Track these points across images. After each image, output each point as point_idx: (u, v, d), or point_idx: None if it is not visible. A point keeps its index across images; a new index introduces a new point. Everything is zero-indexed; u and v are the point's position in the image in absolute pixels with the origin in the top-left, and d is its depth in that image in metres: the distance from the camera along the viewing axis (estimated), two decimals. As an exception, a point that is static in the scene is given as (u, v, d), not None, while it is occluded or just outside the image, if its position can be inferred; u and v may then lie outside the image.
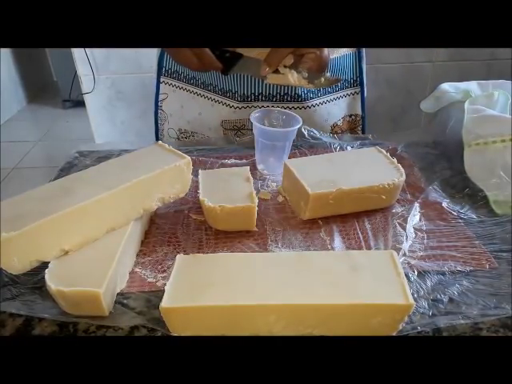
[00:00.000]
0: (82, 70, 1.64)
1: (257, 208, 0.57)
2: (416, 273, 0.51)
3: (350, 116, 0.91)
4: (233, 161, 0.77)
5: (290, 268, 0.46)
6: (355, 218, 0.61)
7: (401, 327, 0.44)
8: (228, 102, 0.84)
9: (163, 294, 0.43)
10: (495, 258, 0.53)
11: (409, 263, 0.53)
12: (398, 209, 0.63)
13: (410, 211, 0.61)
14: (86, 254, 0.50)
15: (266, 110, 0.75)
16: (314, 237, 0.58)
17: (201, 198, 0.58)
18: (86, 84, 1.67)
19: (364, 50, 0.87)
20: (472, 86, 0.78)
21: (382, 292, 0.43)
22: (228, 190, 0.60)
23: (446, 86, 0.79)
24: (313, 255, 0.50)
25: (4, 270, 0.48)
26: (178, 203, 0.64)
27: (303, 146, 0.80)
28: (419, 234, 0.58)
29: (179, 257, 0.48)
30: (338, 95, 0.88)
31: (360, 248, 0.56)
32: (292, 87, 0.81)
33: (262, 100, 0.82)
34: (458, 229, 0.59)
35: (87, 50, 1.59)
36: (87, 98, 1.71)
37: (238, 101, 0.83)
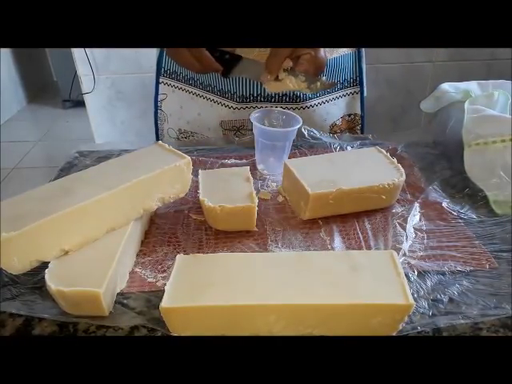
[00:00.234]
0: (82, 70, 1.64)
1: (257, 208, 0.57)
2: (416, 273, 0.51)
3: (349, 115, 0.91)
4: (233, 161, 0.77)
5: (290, 268, 0.46)
6: (355, 218, 0.61)
7: (401, 327, 0.44)
8: (227, 103, 0.84)
9: (163, 294, 0.43)
10: (495, 258, 0.53)
11: (409, 263, 0.53)
12: (397, 209, 0.63)
13: (410, 211, 0.61)
14: (86, 254, 0.50)
15: (266, 110, 0.75)
16: (314, 237, 0.58)
17: (201, 198, 0.58)
18: (85, 84, 1.67)
19: (364, 49, 0.87)
20: (472, 85, 0.78)
21: (381, 292, 0.43)
22: (228, 190, 0.60)
23: (446, 86, 0.79)
24: (313, 255, 0.50)
25: (4, 270, 0.48)
26: (178, 203, 0.64)
27: (303, 146, 0.80)
28: (419, 234, 0.58)
29: (179, 257, 0.48)
30: (337, 95, 0.88)
31: (360, 248, 0.56)
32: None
33: (260, 101, 0.83)
34: (458, 229, 0.59)
35: (87, 50, 1.59)
36: (87, 98, 1.71)
37: (236, 101, 0.83)
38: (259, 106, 0.83)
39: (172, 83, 0.88)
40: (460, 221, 0.60)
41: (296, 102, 0.83)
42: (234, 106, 0.84)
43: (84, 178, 0.54)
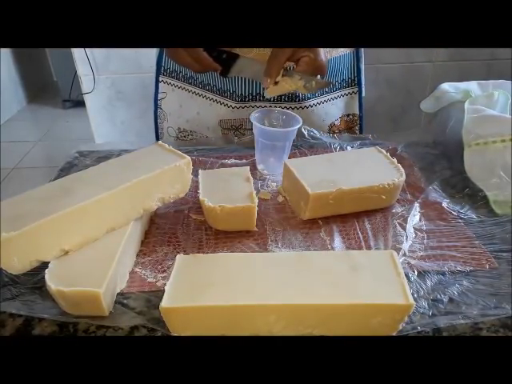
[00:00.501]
0: (82, 70, 1.64)
1: (257, 208, 0.57)
2: (416, 273, 0.51)
3: (348, 115, 0.92)
4: (233, 161, 0.77)
5: (290, 268, 0.46)
6: (355, 218, 0.61)
7: (401, 327, 0.44)
8: (226, 102, 0.84)
9: (163, 294, 0.43)
10: (495, 258, 0.53)
11: (409, 263, 0.53)
12: (397, 209, 0.63)
13: (410, 211, 0.61)
14: (86, 254, 0.50)
15: (266, 109, 0.75)
16: (314, 237, 0.58)
17: (201, 198, 0.58)
18: (85, 84, 1.67)
19: (362, 49, 0.87)
20: (472, 85, 0.78)
21: (381, 292, 0.43)
22: (228, 190, 0.60)
23: (446, 86, 0.79)
24: (313, 255, 0.50)
25: (4, 270, 0.48)
26: (178, 203, 0.64)
27: (303, 146, 0.80)
28: (419, 234, 0.58)
29: (179, 257, 0.48)
30: (336, 95, 0.88)
31: (360, 248, 0.56)
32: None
33: (259, 100, 0.83)
34: (458, 229, 0.59)
35: (87, 49, 1.59)
36: (87, 98, 1.71)
37: (235, 101, 0.83)
38: (258, 105, 0.83)
39: (172, 82, 0.88)
40: (460, 221, 0.60)
41: (295, 101, 0.83)
42: (233, 106, 0.84)
43: (84, 178, 0.54)
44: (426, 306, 0.47)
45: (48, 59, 3.25)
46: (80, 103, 2.37)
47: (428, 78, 1.73)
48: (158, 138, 0.96)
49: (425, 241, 0.57)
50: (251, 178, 0.63)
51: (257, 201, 0.57)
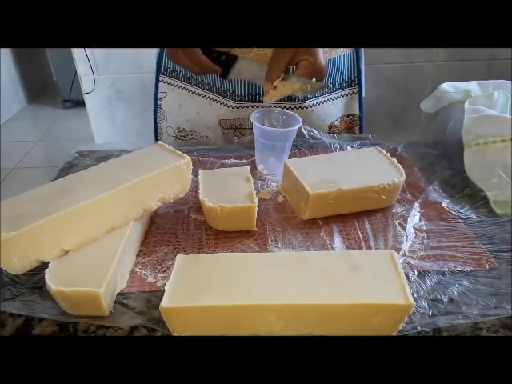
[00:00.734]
0: (82, 70, 1.64)
1: (257, 208, 0.57)
2: (416, 273, 0.51)
3: (348, 116, 0.91)
4: (233, 161, 0.77)
5: (290, 268, 0.46)
6: (355, 218, 0.61)
7: (401, 327, 0.44)
8: (225, 102, 0.84)
9: (163, 294, 0.43)
10: (495, 258, 0.53)
11: (409, 263, 0.53)
12: (398, 209, 0.63)
13: (410, 211, 0.61)
14: (86, 254, 0.50)
15: (265, 109, 0.75)
16: (314, 237, 0.58)
17: (201, 197, 0.58)
18: (85, 84, 1.67)
19: (362, 50, 0.87)
20: (472, 85, 0.78)
21: (381, 292, 0.43)
22: (228, 190, 0.60)
23: (446, 86, 0.79)
24: (313, 255, 0.50)
25: (4, 270, 0.48)
26: (178, 203, 0.64)
27: (303, 146, 0.80)
28: (419, 233, 0.58)
29: (179, 257, 0.48)
30: (336, 95, 0.88)
31: (360, 248, 0.56)
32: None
33: (259, 100, 0.83)
34: (458, 229, 0.59)
35: (87, 49, 1.59)
36: (87, 98, 1.71)
37: (235, 100, 0.83)
38: (258, 105, 0.83)
39: (172, 81, 0.88)
40: (460, 221, 0.60)
41: (294, 101, 0.83)
42: (233, 105, 0.84)
43: (84, 178, 0.54)
44: (426, 306, 0.47)
45: (48, 59, 3.24)
46: (80, 103, 2.37)
47: (428, 77, 1.73)
48: (157, 138, 0.96)
49: (425, 241, 0.57)
50: (251, 178, 0.63)
51: (257, 201, 0.57)
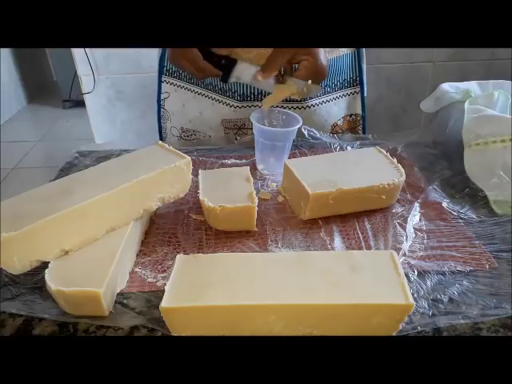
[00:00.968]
0: (82, 70, 1.64)
1: (257, 208, 0.57)
2: (416, 273, 0.51)
3: (351, 116, 0.91)
4: (233, 161, 0.77)
5: (290, 268, 0.46)
6: (355, 218, 0.61)
7: (401, 327, 0.44)
8: (228, 102, 0.84)
9: (163, 294, 0.43)
10: (495, 258, 0.53)
11: (409, 263, 0.53)
12: (398, 209, 0.63)
13: (410, 211, 0.61)
14: (86, 254, 0.50)
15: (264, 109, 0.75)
16: (314, 237, 0.58)
17: (201, 198, 0.58)
18: (85, 84, 1.67)
19: (363, 49, 0.87)
20: (472, 86, 0.78)
21: (382, 292, 0.43)
22: (228, 190, 0.60)
23: (446, 86, 0.79)
24: (313, 255, 0.50)
25: (4, 270, 0.48)
26: (177, 203, 0.64)
27: (303, 146, 0.80)
28: (419, 234, 0.58)
29: (179, 257, 0.48)
30: (338, 95, 0.88)
31: (360, 248, 0.56)
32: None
33: (261, 99, 0.83)
34: (458, 229, 0.59)
35: (87, 49, 1.59)
36: (87, 98, 1.71)
37: (237, 100, 0.83)
38: (260, 104, 0.83)
39: (174, 82, 0.88)
40: (460, 221, 0.60)
41: (297, 101, 0.83)
42: (236, 105, 0.84)
43: (84, 178, 0.54)
44: (426, 306, 0.47)
45: (48, 59, 3.25)
46: (80, 103, 2.37)
47: (428, 77, 1.73)
48: (161, 138, 0.97)
49: (425, 241, 0.57)
50: (251, 178, 0.63)
51: (257, 201, 0.57)
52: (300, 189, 0.59)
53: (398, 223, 0.60)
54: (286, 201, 0.66)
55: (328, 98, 0.87)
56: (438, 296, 0.48)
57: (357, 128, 0.93)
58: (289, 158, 0.72)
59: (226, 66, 0.73)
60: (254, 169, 0.74)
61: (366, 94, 0.90)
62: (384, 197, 0.60)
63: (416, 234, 0.58)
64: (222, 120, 0.87)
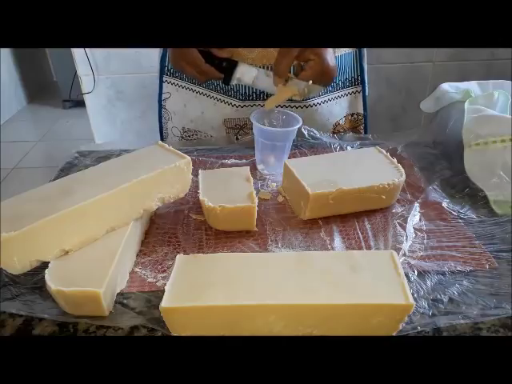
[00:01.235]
0: (82, 70, 1.64)
1: (257, 208, 0.57)
2: (416, 273, 0.51)
3: (352, 115, 0.91)
4: (233, 161, 0.77)
5: (290, 268, 0.46)
6: (355, 218, 0.61)
7: (401, 327, 0.44)
8: (230, 101, 0.84)
9: (163, 294, 0.43)
10: (495, 258, 0.53)
11: (409, 263, 0.53)
12: (398, 209, 0.63)
13: (410, 211, 0.61)
14: (86, 254, 0.50)
15: (266, 109, 0.75)
16: (314, 237, 0.58)
17: (201, 198, 0.58)
18: (85, 84, 1.67)
19: (365, 48, 0.87)
20: (472, 86, 0.78)
21: (381, 292, 0.43)
22: (228, 190, 0.60)
23: (446, 86, 0.79)
24: (313, 255, 0.50)
25: (4, 270, 0.48)
26: (177, 203, 0.64)
27: (303, 146, 0.80)
28: (419, 234, 0.58)
29: (179, 257, 0.48)
30: (339, 94, 0.88)
31: (360, 248, 0.56)
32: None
33: (263, 99, 0.83)
34: (458, 229, 0.59)
35: (87, 49, 1.59)
36: (87, 98, 1.71)
37: (239, 99, 0.83)
38: (262, 104, 0.83)
39: (176, 82, 0.88)
40: (460, 221, 0.60)
41: (298, 100, 0.83)
42: (237, 105, 0.84)
43: (84, 178, 0.54)
44: (426, 306, 0.47)
45: (48, 59, 3.25)
46: (80, 103, 2.37)
47: (428, 77, 1.73)
48: (162, 138, 0.97)
49: (425, 241, 0.57)
50: (251, 178, 0.63)
51: (257, 201, 0.57)
52: (300, 189, 0.59)
53: (398, 223, 0.60)
54: (286, 201, 0.66)
55: (330, 97, 0.87)
56: (438, 296, 0.48)
57: (359, 127, 0.93)
58: (289, 158, 0.72)
59: (228, 69, 0.74)
60: (254, 169, 0.74)
61: (367, 94, 0.90)
62: (384, 197, 0.60)
63: (416, 234, 0.58)
64: (223, 120, 0.87)
